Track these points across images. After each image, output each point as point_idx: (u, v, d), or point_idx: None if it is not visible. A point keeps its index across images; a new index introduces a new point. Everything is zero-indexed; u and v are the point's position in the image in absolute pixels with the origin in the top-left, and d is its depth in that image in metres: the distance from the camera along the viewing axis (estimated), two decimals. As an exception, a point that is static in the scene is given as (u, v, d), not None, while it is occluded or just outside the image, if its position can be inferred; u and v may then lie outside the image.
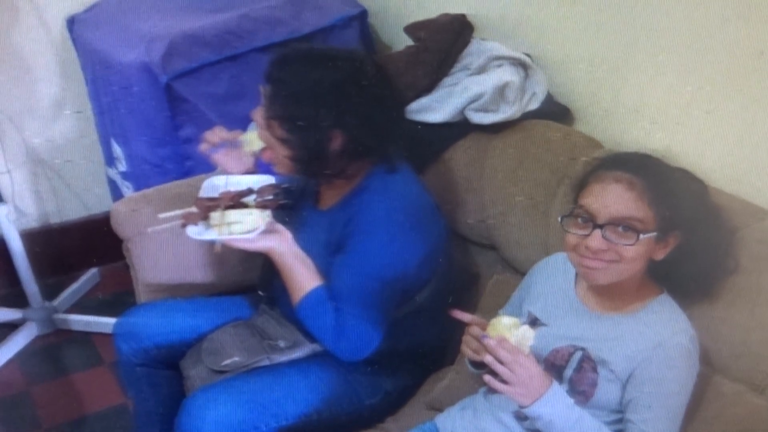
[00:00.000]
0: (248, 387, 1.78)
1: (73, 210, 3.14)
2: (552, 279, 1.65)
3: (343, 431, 1.77)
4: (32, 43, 2.82)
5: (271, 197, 1.79)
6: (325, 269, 1.77)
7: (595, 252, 1.45)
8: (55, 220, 3.13)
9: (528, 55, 2.12)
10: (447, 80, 2.16)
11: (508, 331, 1.46)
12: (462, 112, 2.07)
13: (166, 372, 2.01)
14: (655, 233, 1.44)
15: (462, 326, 1.54)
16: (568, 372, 1.50)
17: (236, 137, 1.91)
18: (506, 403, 1.53)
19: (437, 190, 1.97)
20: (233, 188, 1.82)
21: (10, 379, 2.69)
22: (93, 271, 3.12)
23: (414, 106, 2.13)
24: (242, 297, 2.08)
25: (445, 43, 2.17)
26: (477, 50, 2.15)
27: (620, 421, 1.47)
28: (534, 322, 1.58)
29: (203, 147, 1.93)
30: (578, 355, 1.50)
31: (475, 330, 1.50)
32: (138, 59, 2.39)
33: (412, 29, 2.26)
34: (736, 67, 1.65)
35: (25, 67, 2.85)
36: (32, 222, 3.07)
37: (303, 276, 1.75)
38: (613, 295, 1.53)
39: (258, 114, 1.81)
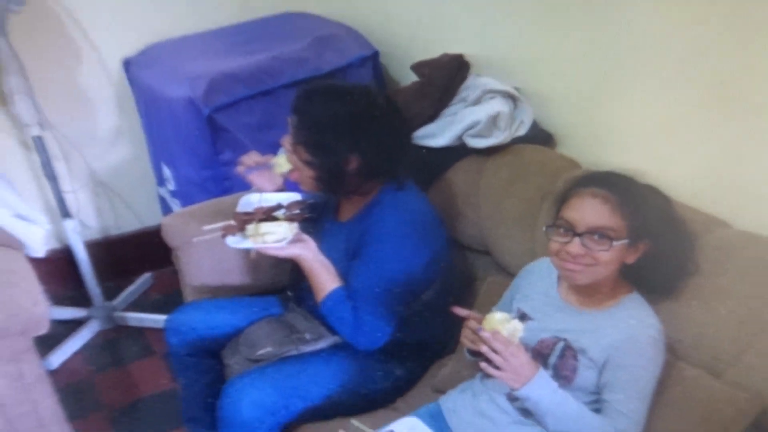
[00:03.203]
0: (279, 373, 1.78)
1: (129, 223, 3.15)
2: (538, 280, 1.65)
3: (359, 411, 1.77)
4: (94, 81, 2.84)
5: (297, 211, 1.80)
6: (344, 272, 1.77)
7: (574, 257, 1.45)
8: (113, 232, 3.14)
9: (516, 88, 2.12)
10: (447, 110, 2.17)
11: (500, 325, 1.46)
12: (460, 137, 2.08)
13: (209, 361, 2.02)
14: (626, 240, 1.44)
15: (461, 321, 1.54)
16: (553, 359, 1.50)
17: (268, 160, 1.92)
18: (500, 387, 1.54)
19: (440, 205, 1.98)
20: (266, 204, 1.83)
21: (76, 368, 2.70)
22: (147, 275, 3.13)
23: (419, 132, 2.14)
24: (274, 296, 2.08)
25: (446, 78, 2.17)
26: (473, 84, 2.16)
27: (597, 401, 1.47)
28: (523, 317, 1.58)
29: (240, 169, 1.94)
30: (561, 345, 1.50)
31: (472, 324, 1.51)
32: (184, 95, 2.41)
33: (417, 67, 2.27)
34: (697, 97, 1.65)
35: (88, 102, 2.87)
36: (95, 234, 3.09)
37: (325, 278, 1.76)
38: (590, 294, 1.53)
39: (286, 140, 1.81)
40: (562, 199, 1.52)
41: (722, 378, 1.44)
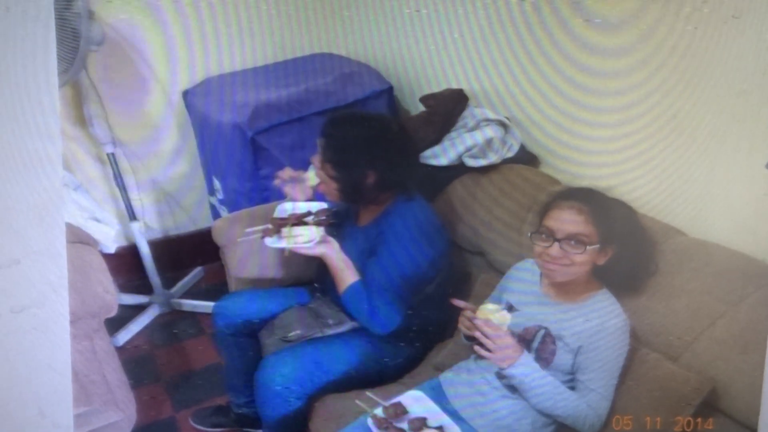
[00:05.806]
0: (306, 352, 1.78)
1: (184, 225, 3.14)
2: (523, 277, 1.63)
3: (373, 384, 1.76)
4: (158, 108, 2.84)
5: (324, 217, 1.80)
6: (361, 268, 1.76)
7: (554, 258, 1.44)
8: (172, 232, 3.14)
9: (507, 117, 2.11)
10: (449, 135, 2.16)
11: (491, 314, 1.46)
12: (460, 158, 2.07)
13: (248, 340, 2.00)
14: (597, 245, 1.43)
15: (459, 310, 1.54)
16: (535, 344, 1.49)
17: (300, 175, 1.91)
18: (490, 366, 1.52)
19: (442, 213, 1.97)
20: (297, 211, 1.83)
21: (139, 345, 2.70)
22: (199, 268, 3.12)
23: (426, 153, 2.13)
24: (303, 288, 2.07)
25: (448, 109, 2.17)
26: (471, 114, 2.15)
27: (572, 380, 1.46)
28: (510, 308, 1.57)
29: (277, 182, 1.94)
30: (542, 332, 1.49)
31: (468, 313, 1.50)
32: (232, 120, 2.41)
33: (424, 99, 2.26)
34: (655, 127, 1.64)
35: (152, 124, 2.87)
36: (157, 234, 3.09)
37: (346, 273, 1.75)
38: (567, 290, 1.52)
39: (315, 159, 1.81)
40: (544, 210, 1.52)
41: (678, 362, 1.43)
